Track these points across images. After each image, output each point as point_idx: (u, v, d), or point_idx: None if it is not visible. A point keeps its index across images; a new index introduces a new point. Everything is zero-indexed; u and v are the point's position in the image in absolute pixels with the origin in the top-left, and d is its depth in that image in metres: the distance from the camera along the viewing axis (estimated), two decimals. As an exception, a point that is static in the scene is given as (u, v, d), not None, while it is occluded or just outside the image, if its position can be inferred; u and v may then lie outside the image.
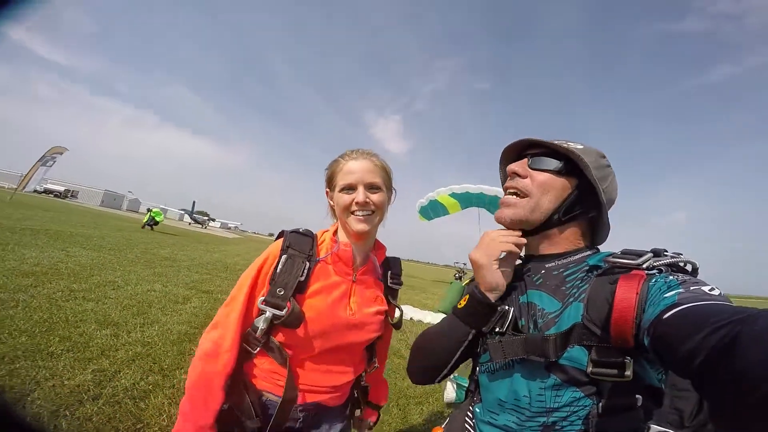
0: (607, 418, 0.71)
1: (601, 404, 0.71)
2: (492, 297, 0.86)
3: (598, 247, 0.92)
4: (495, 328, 0.86)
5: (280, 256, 1.11)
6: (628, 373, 0.67)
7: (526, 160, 0.92)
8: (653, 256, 0.73)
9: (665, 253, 0.74)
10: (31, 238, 8.42)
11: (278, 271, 1.09)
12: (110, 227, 17.05)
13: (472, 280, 1.00)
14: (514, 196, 0.92)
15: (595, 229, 0.92)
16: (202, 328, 4.38)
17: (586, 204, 0.86)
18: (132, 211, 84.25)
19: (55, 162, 25.25)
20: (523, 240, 0.90)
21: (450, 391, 3.50)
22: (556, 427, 0.75)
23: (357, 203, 1.11)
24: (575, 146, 0.86)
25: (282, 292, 1.05)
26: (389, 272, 1.30)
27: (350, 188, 1.13)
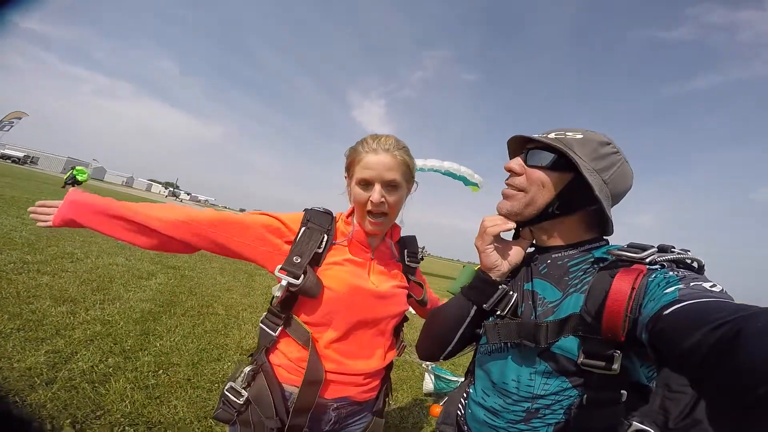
0: (589, 410, 0.73)
1: (585, 396, 0.73)
2: (491, 275, 0.92)
3: (607, 239, 0.92)
4: (497, 310, 0.89)
5: (300, 228, 1.12)
6: (616, 366, 0.68)
7: (522, 155, 0.93)
8: (658, 252, 0.73)
9: (672, 249, 0.73)
10: (-20, 202, 7.83)
11: (297, 240, 1.10)
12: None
13: None
14: (513, 189, 0.93)
15: (602, 221, 0.90)
16: (168, 306, 4.27)
17: (583, 196, 0.84)
18: (97, 180, 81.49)
19: (12, 126, 23.50)
20: (510, 224, 0.93)
21: (428, 382, 3.58)
22: (539, 414, 0.79)
23: (372, 202, 1.09)
24: (574, 136, 0.86)
25: (299, 260, 1.05)
26: (405, 251, 1.30)
27: (367, 184, 1.10)
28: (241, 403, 1.06)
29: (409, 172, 1.16)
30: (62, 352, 2.65)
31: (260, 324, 1.13)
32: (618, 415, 0.73)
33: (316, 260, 1.09)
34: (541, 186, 0.88)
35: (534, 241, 0.99)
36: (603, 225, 0.90)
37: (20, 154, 68.28)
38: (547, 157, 0.88)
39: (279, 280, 1.05)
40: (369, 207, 1.10)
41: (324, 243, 1.10)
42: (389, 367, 1.27)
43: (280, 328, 1.09)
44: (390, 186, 1.10)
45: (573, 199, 0.86)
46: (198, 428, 2.20)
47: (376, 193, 1.08)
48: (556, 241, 0.92)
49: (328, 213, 1.19)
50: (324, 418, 1.10)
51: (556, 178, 0.87)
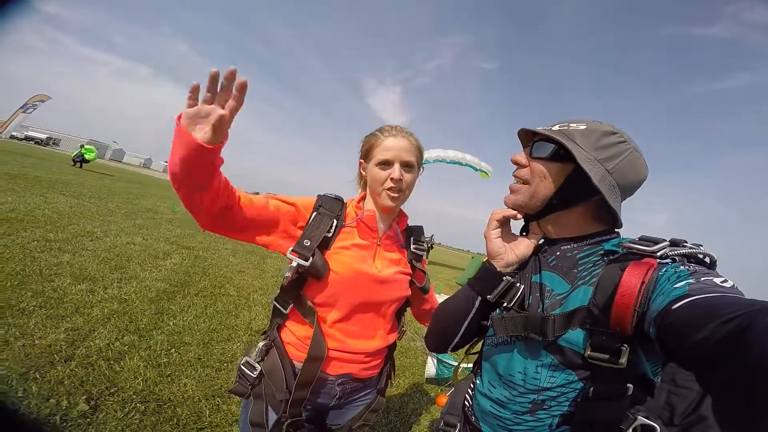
0: (595, 403, 0.73)
1: (592, 389, 0.73)
2: (495, 264, 0.93)
3: (618, 231, 0.90)
4: (503, 302, 0.90)
5: (312, 213, 1.19)
6: (623, 360, 0.69)
7: (528, 148, 0.93)
8: (669, 245, 0.72)
9: (684, 243, 0.72)
10: (7, 182, 8.12)
11: (309, 224, 1.17)
12: (91, 175, 16.58)
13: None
14: (518, 181, 0.94)
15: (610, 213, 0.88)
16: (181, 286, 4.41)
17: (586, 187, 0.81)
18: (116, 161, 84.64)
19: (36, 109, 24.10)
20: (512, 212, 0.95)
21: (430, 366, 3.61)
22: (545, 406, 0.79)
23: (393, 179, 1.17)
24: (577, 127, 0.86)
25: (308, 243, 1.12)
26: (412, 238, 1.37)
27: (387, 164, 1.19)
28: (255, 376, 1.15)
29: (420, 156, 1.27)
30: (81, 329, 2.79)
31: (273, 301, 1.22)
32: (623, 409, 0.73)
33: (325, 244, 1.16)
34: (542, 177, 0.88)
35: (543, 234, 0.98)
36: (611, 217, 0.87)
37: (43, 136, 70.47)
38: (549, 149, 0.87)
39: (290, 261, 1.12)
40: (389, 184, 1.18)
41: (333, 228, 1.18)
42: (392, 348, 1.35)
43: (290, 306, 1.17)
44: (407, 166, 1.20)
45: (574, 190, 0.85)
46: (206, 406, 2.31)
47: (397, 171, 1.17)
48: (565, 233, 0.91)
49: (339, 199, 1.26)
50: (330, 392, 1.19)
51: (557, 169, 0.87)
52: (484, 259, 1.10)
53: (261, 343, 1.20)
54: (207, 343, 3.18)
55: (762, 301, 0.49)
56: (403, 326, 1.37)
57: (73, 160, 20.35)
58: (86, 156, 20.17)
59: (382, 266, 1.22)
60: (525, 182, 0.92)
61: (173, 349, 2.90)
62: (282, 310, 1.18)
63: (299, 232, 1.16)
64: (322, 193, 1.26)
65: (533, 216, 0.94)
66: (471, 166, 14.87)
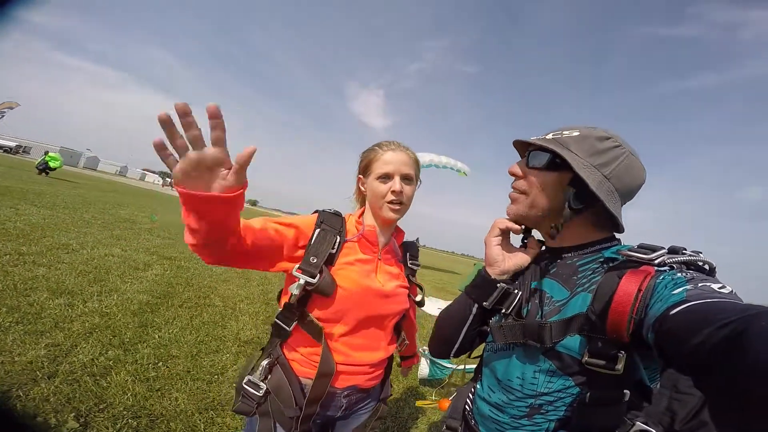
0: (592, 408, 0.74)
1: (588, 394, 0.74)
2: (491, 271, 0.94)
3: (619, 238, 0.90)
4: (501, 309, 0.91)
5: (315, 230, 1.18)
6: (619, 367, 0.69)
7: (524, 158, 0.94)
8: (668, 253, 0.73)
9: (683, 251, 0.73)
10: (-29, 192, 7.73)
11: (312, 241, 1.16)
12: (65, 185, 15.97)
13: None
14: (516, 192, 0.95)
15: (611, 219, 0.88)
16: (164, 297, 4.29)
17: (587, 195, 0.81)
18: (90, 169, 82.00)
19: (4, 116, 23.09)
20: (515, 226, 0.95)
21: (424, 367, 3.62)
22: (542, 411, 0.80)
23: (394, 192, 1.20)
24: (570, 134, 0.85)
25: (315, 260, 1.12)
26: (408, 254, 1.40)
27: (387, 177, 1.21)
28: (261, 395, 1.13)
29: (418, 169, 1.30)
30: (62, 345, 2.67)
31: (275, 320, 1.19)
32: (620, 414, 0.74)
33: (330, 260, 1.16)
34: (540, 188, 0.88)
35: (545, 243, 0.99)
36: (612, 223, 0.87)
37: (12, 144, 67.12)
38: (544, 158, 0.88)
39: (295, 279, 1.10)
40: (389, 197, 1.21)
41: (337, 244, 1.18)
42: (391, 358, 1.37)
43: (294, 323, 1.16)
44: (406, 179, 1.23)
45: (576, 199, 0.84)
46: (200, 420, 2.25)
47: (397, 183, 1.20)
48: (566, 242, 0.91)
49: (339, 215, 1.26)
50: (336, 404, 1.20)
51: (554, 179, 0.87)
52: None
53: (264, 362, 1.17)
54: (195, 355, 3.10)
55: (758, 306, 0.49)
56: (403, 338, 1.39)
57: (37, 168, 19.25)
58: (50, 164, 19.06)
59: (384, 280, 1.24)
60: (523, 193, 0.92)
61: (161, 363, 2.81)
62: (285, 327, 1.16)
63: (302, 252, 1.15)
64: (321, 209, 1.26)
65: (536, 224, 0.95)
66: (450, 168, 15.11)
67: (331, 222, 1.21)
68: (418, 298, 1.42)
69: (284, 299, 1.18)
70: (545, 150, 0.87)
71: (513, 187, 0.95)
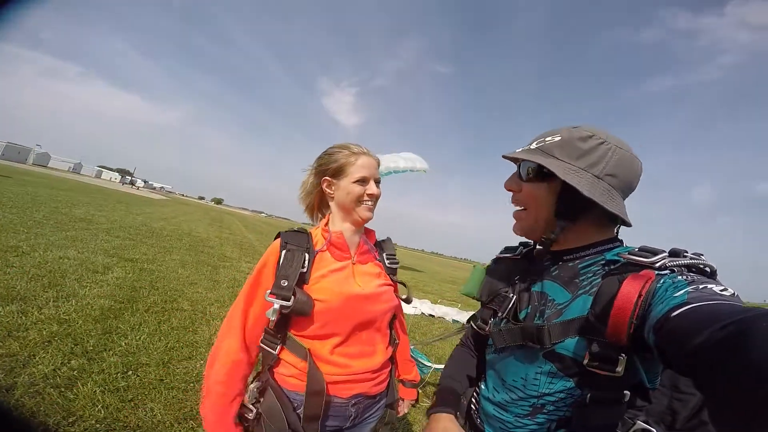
0: (593, 409, 0.75)
1: (589, 395, 0.76)
2: None
3: (621, 239, 0.90)
4: (498, 313, 0.95)
5: (281, 252, 1.16)
6: (620, 369, 0.70)
7: (516, 172, 0.93)
8: (669, 257, 0.72)
9: (684, 254, 0.73)
10: None
11: (280, 264, 1.13)
12: (10, 182, 14.71)
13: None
14: (518, 208, 0.94)
15: (615, 218, 0.88)
16: (128, 302, 4.06)
17: (581, 199, 0.80)
18: (40, 166, 76.28)
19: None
20: None
21: None
22: (544, 410, 0.82)
23: (370, 195, 1.25)
24: (553, 140, 0.85)
25: (286, 283, 1.09)
26: (384, 253, 1.40)
27: (364, 181, 1.24)
28: (252, 417, 1.12)
29: None
30: (18, 354, 2.46)
31: (260, 344, 1.16)
32: (620, 414, 0.75)
33: (303, 279, 1.13)
34: (536, 200, 0.88)
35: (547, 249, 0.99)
36: (613, 224, 0.88)
37: None
38: (530, 169, 0.88)
39: (270, 304, 1.08)
40: (365, 198, 1.24)
41: (307, 261, 1.16)
42: (392, 360, 1.37)
43: (279, 346, 1.14)
44: (377, 182, 1.29)
45: (571, 205, 0.84)
46: (179, 430, 2.15)
47: (374, 187, 1.26)
48: (568, 245, 0.90)
49: (303, 231, 1.24)
50: (344, 414, 1.18)
51: (546, 189, 0.86)
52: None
53: (253, 385, 1.16)
54: (167, 362, 2.94)
55: (759, 308, 0.49)
56: (396, 339, 1.39)
57: None
58: None
59: (363, 282, 1.23)
60: (524, 207, 0.92)
61: (130, 372, 2.65)
62: (271, 351, 1.15)
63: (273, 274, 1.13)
64: (283, 231, 1.22)
65: (550, 234, 0.89)
66: (410, 170, 15.17)
67: (296, 240, 1.18)
68: (404, 296, 1.42)
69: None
70: (527, 161, 0.87)
71: (513, 203, 0.95)
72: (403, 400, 1.48)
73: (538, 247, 0.97)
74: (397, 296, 1.34)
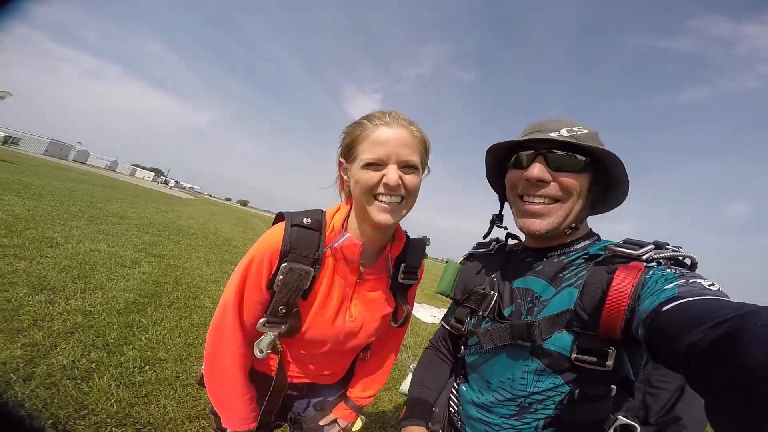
0: (580, 405, 0.74)
1: (577, 391, 0.75)
2: None
3: (598, 234, 0.92)
4: (478, 312, 0.92)
5: (280, 263, 0.92)
6: (609, 363, 0.70)
7: (541, 161, 0.83)
8: (654, 248, 0.73)
9: (667, 246, 0.73)
10: (-49, 180, 7.42)
11: (280, 284, 0.92)
12: (53, 176, 15.53)
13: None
14: (541, 204, 0.84)
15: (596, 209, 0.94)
16: (152, 297, 4.09)
17: (611, 191, 0.87)
18: (79, 162, 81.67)
19: (-3, 104, 22.78)
20: None
21: (407, 382, 3.53)
22: (531, 409, 0.80)
23: (386, 185, 0.86)
24: (581, 131, 0.84)
25: (284, 311, 0.95)
26: (403, 265, 1.07)
27: (378, 164, 0.87)
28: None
29: (426, 155, 0.96)
30: (40, 345, 2.48)
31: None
32: (606, 409, 0.75)
33: (304, 296, 0.96)
34: (578, 192, 0.82)
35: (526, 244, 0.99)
36: (594, 209, 0.93)
37: (1, 134, 66.40)
38: (577, 160, 0.81)
39: (256, 332, 0.99)
40: (380, 190, 0.88)
41: (310, 278, 0.93)
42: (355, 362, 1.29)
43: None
44: (408, 167, 0.89)
45: (604, 197, 0.89)
46: (191, 429, 2.09)
47: (392, 173, 0.85)
48: (552, 242, 0.90)
49: (315, 229, 0.95)
50: (292, 392, 1.16)
51: (585, 180, 0.83)
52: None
53: None
54: (184, 359, 2.92)
55: (750, 304, 0.49)
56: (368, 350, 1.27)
57: None
58: None
59: (357, 312, 1.03)
60: (557, 200, 0.83)
61: (147, 367, 2.63)
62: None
63: (266, 293, 0.95)
64: (293, 222, 0.94)
65: (556, 237, 0.89)
66: None
67: (302, 247, 0.92)
68: (399, 323, 1.13)
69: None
70: (577, 149, 0.81)
71: (542, 195, 0.84)
72: (335, 421, 1.21)
73: (531, 241, 0.96)
74: (392, 322, 1.14)
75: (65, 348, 2.53)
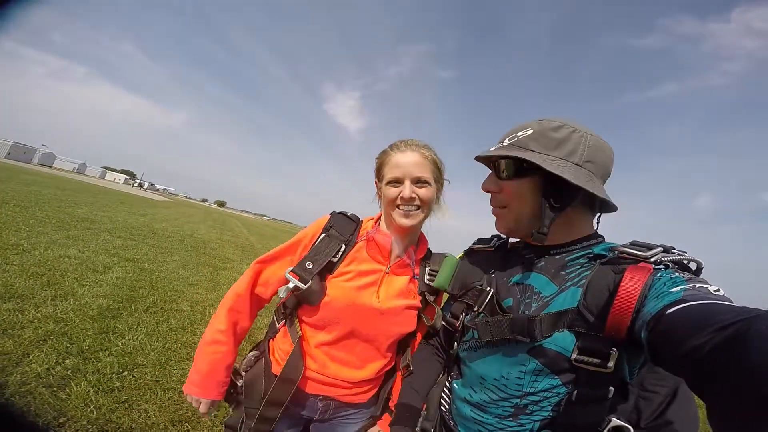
0: (577, 407, 0.73)
1: (575, 393, 0.73)
2: None
3: (603, 236, 0.89)
4: (474, 307, 0.91)
5: (321, 234, 1.15)
6: (611, 364, 0.68)
7: (493, 171, 0.90)
8: (662, 251, 0.72)
9: (673, 250, 0.72)
10: None
11: (314, 246, 1.13)
12: (17, 181, 14.79)
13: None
14: (497, 210, 0.92)
15: (602, 205, 0.87)
16: (127, 302, 4.01)
17: (565, 190, 0.79)
18: (45, 166, 77.53)
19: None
20: None
21: None
22: (527, 411, 0.78)
23: (403, 198, 1.09)
24: (525, 133, 0.83)
25: (310, 266, 1.08)
26: (427, 268, 1.18)
27: (397, 182, 1.11)
28: (240, 385, 1.15)
29: (438, 172, 1.17)
30: (12, 353, 2.41)
31: (273, 312, 1.21)
32: (604, 411, 0.73)
33: (329, 268, 1.11)
34: (519, 197, 0.86)
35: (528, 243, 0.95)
36: (603, 208, 0.87)
37: None
38: (510, 167, 0.85)
39: (287, 281, 1.07)
40: (399, 202, 1.11)
41: (340, 253, 1.12)
42: (389, 376, 1.23)
43: (282, 322, 1.16)
44: (420, 182, 1.11)
45: (557, 197, 0.81)
46: (173, 433, 2.08)
47: (407, 189, 1.09)
48: (552, 241, 0.87)
49: (354, 219, 1.20)
50: (312, 407, 1.14)
51: (528, 184, 0.84)
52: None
53: (252, 353, 1.19)
54: (164, 363, 2.89)
55: (754, 308, 0.49)
56: (409, 364, 1.15)
57: None
58: None
59: (385, 297, 1.11)
60: (504, 207, 0.89)
61: (126, 372, 2.60)
62: (276, 323, 1.18)
63: (303, 254, 1.13)
64: (338, 211, 1.20)
65: (526, 235, 0.88)
66: None
67: (340, 227, 1.16)
68: (433, 322, 1.12)
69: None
70: (507, 158, 0.85)
71: (492, 204, 0.93)
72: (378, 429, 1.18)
73: (524, 242, 0.95)
74: (425, 320, 1.14)
75: (38, 356, 2.46)
